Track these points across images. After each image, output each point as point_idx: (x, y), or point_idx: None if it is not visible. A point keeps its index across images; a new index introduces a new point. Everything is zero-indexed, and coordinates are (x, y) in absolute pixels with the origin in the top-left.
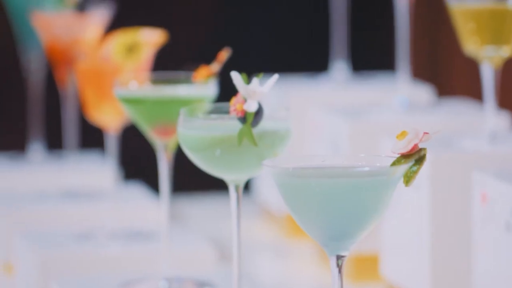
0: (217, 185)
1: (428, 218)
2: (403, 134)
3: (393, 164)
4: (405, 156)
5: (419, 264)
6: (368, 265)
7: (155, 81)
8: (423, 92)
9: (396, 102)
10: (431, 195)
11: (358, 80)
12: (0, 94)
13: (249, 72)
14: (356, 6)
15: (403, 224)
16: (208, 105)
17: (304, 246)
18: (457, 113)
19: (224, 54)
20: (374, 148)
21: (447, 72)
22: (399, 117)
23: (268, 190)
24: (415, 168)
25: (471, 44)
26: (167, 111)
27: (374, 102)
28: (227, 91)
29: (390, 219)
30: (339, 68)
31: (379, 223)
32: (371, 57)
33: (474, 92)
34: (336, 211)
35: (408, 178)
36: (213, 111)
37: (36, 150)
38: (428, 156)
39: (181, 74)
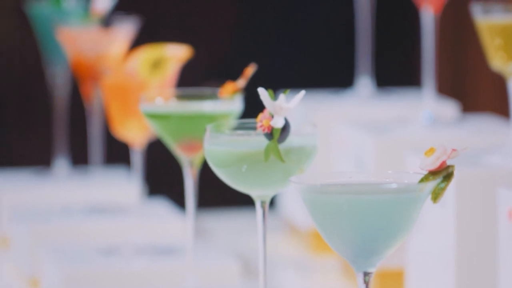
0: (242, 201)
1: (454, 234)
2: (431, 150)
3: (421, 181)
4: (433, 173)
5: (444, 280)
6: (393, 281)
7: (181, 97)
8: (448, 108)
9: (421, 117)
10: (457, 211)
11: (383, 96)
12: (26, 109)
13: (274, 88)
14: (381, 21)
15: (428, 240)
16: (234, 121)
17: (329, 261)
18: (483, 129)
19: (250, 70)
20: (399, 164)
21: (473, 87)
22: (424, 133)
23: (293, 205)
24: (443, 185)
25: (498, 59)
26: (193, 126)
27: (399, 117)
28: (252, 107)
29: (416, 235)
30: (364, 83)
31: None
32: (396, 72)
33: (500, 108)
34: (364, 228)
35: (436, 195)
36: (239, 127)
37: (61, 165)
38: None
39: (207, 90)
